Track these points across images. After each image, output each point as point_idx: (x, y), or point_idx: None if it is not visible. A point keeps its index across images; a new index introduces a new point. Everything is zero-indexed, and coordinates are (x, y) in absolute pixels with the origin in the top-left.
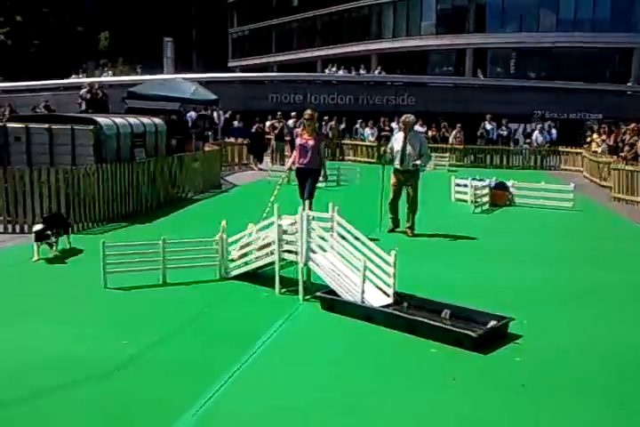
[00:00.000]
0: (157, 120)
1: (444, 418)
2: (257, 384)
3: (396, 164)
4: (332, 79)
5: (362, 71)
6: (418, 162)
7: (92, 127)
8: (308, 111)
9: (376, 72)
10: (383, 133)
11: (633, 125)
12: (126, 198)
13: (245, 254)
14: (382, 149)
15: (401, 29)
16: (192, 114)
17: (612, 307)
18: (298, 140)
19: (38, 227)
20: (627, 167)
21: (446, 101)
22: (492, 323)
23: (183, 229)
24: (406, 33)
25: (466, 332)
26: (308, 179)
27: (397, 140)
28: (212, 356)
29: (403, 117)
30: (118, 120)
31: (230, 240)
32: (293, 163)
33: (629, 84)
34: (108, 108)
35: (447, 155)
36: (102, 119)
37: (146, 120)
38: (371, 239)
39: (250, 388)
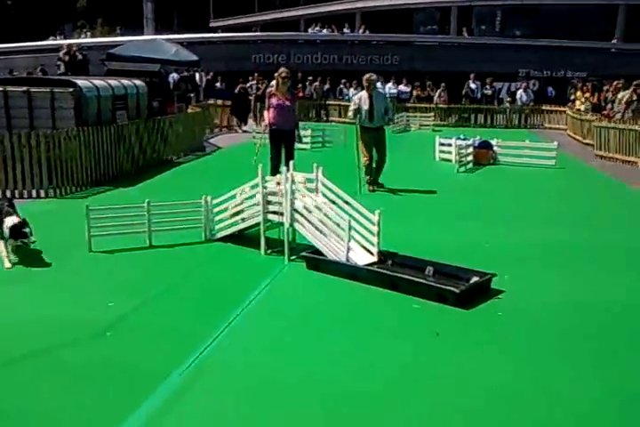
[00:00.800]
0: (138, 82)
1: (428, 372)
2: (244, 343)
3: (367, 122)
4: (316, 39)
5: (346, 30)
6: (387, 118)
7: (71, 90)
8: (285, 69)
9: (360, 31)
10: None
11: (615, 83)
12: (109, 162)
13: (236, 214)
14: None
15: None
16: (174, 75)
17: (596, 264)
18: (273, 101)
19: (13, 221)
20: (607, 124)
21: (431, 60)
22: (475, 279)
23: (168, 192)
24: None
25: (448, 288)
26: (286, 141)
27: (363, 100)
28: (198, 317)
29: (366, 76)
30: (98, 82)
31: (215, 202)
32: (271, 124)
33: (614, 41)
34: (88, 71)
35: (432, 114)
36: (82, 82)
37: (127, 82)
38: (356, 199)
39: (237, 347)
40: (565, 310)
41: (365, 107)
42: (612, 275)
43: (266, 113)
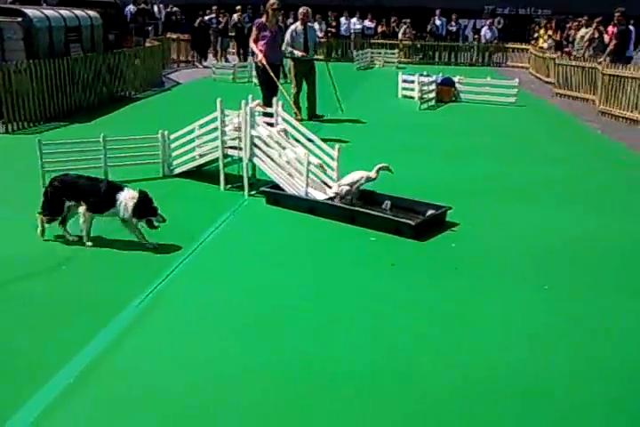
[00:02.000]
0: (92, 13)
1: (384, 301)
2: (202, 275)
3: (301, 54)
4: None
5: None
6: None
7: (20, 19)
8: (276, 0)
9: None
10: (329, 29)
11: (578, 20)
12: (63, 97)
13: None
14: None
15: None
16: (131, 8)
17: (551, 199)
18: (266, 33)
19: (132, 195)
20: (567, 62)
21: None
22: (431, 212)
23: (125, 128)
24: None
25: (404, 220)
26: (277, 75)
27: (298, 32)
28: (156, 251)
29: (302, 10)
30: (49, 12)
31: (173, 137)
32: (266, 57)
33: None
34: (39, 0)
35: (396, 51)
36: (31, 11)
37: (80, 13)
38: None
39: (194, 279)
40: (514, 238)
41: (300, 39)
42: (563, 206)
43: (254, 46)
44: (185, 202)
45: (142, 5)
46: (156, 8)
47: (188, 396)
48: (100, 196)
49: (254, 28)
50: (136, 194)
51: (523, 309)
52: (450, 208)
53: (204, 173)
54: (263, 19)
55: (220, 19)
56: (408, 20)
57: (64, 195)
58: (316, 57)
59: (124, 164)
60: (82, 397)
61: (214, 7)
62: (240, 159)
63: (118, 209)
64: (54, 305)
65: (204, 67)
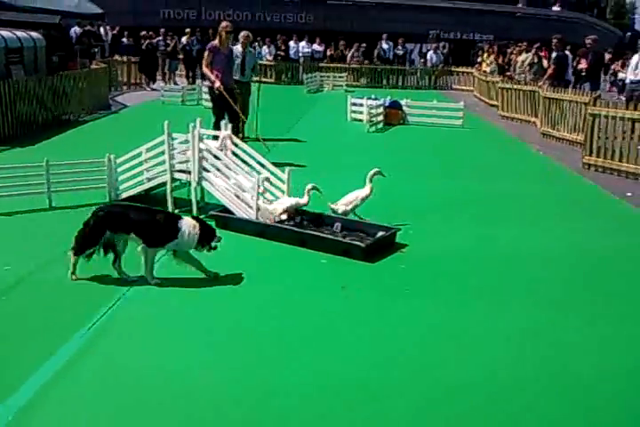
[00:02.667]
0: (35, 34)
1: (335, 323)
2: (149, 301)
3: (238, 75)
4: None
5: None
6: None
7: None
8: (229, 23)
9: None
10: (279, 52)
11: (518, 46)
12: (4, 120)
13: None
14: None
15: None
16: (76, 29)
17: (495, 214)
18: (220, 57)
19: (194, 224)
20: (510, 86)
21: (344, 20)
22: (380, 233)
23: (69, 152)
24: None
25: (354, 242)
26: (232, 98)
27: (237, 54)
28: (103, 275)
29: (243, 33)
30: None
31: (120, 161)
32: (221, 82)
33: (519, 5)
34: None
35: (344, 75)
36: None
37: (22, 34)
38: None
39: (142, 305)
40: (463, 256)
41: (238, 61)
42: (507, 222)
43: (208, 71)
44: None
45: (88, 27)
46: (102, 30)
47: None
48: (159, 227)
49: (207, 52)
50: (194, 221)
51: (474, 326)
52: (399, 229)
53: (151, 198)
54: (216, 42)
55: (169, 41)
56: (356, 44)
57: (109, 227)
58: (256, 79)
59: (68, 189)
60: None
61: (162, 29)
62: (189, 183)
63: (182, 240)
64: None
65: (153, 89)
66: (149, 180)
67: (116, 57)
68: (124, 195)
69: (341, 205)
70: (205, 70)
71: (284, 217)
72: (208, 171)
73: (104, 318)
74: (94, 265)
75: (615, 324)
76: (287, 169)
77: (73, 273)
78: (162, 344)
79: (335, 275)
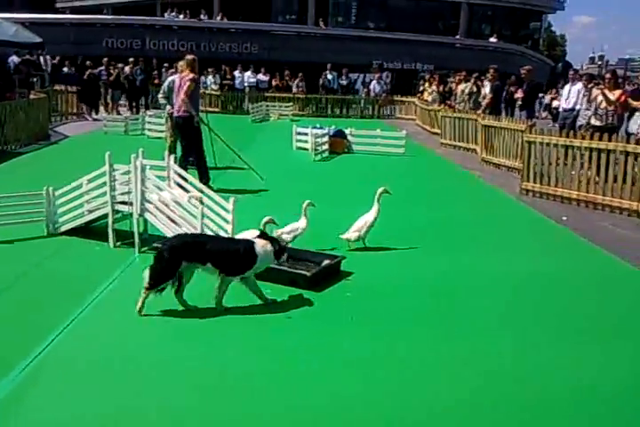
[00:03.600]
0: None
1: (279, 355)
2: (89, 337)
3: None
4: (173, 24)
5: (203, 17)
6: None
7: None
8: (192, 56)
9: (218, 18)
10: (225, 82)
11: (458, 75)
12: None
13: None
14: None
15: None
16: (14, 58)
17: (438, 241)
18: (196, 89)
19: (265, 243)
20: (450, 114)
21: (289, 50)
22: (326, 262)
23: (5, 185)
24: None
25: (299, 272)
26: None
27: (175, 84)
28: (43, 312)
29: (182, 62)
30: None
31: (59, 193)
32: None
33: (458, 36)
34: None
35: (290, 104)
36: None
37: None
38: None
39: (82, 341)
40: (407, 285)
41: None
42: (448, 249)
43: (189, 102)
44: (71, 261)
45: (27, 56)
46: (42, 59)
47: None
48: (239, 257)
49: (191, 83)
50: (264, 240)
51: (415, 355)
52: (344, 257)
53: (92, 230)
54: (193, 74)
55: (111, 71)
56: (301, 74)
57: (185, 257)
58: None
59: (4, 223)
60: None
61: (105, 59)
62: (131, 214)
63: (260, 264)
64: None
65: (95, 119)
66: (90, 212)
67: (57, 86)
68: (64, 228)
69: (353, 233)
70: (187, 101)
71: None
72: (150, 202)
73: (41, 356)
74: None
75: (557, 348)
76: (232, 199)
77: (141, 309)
78: (99, 381)
79: (281, 305)
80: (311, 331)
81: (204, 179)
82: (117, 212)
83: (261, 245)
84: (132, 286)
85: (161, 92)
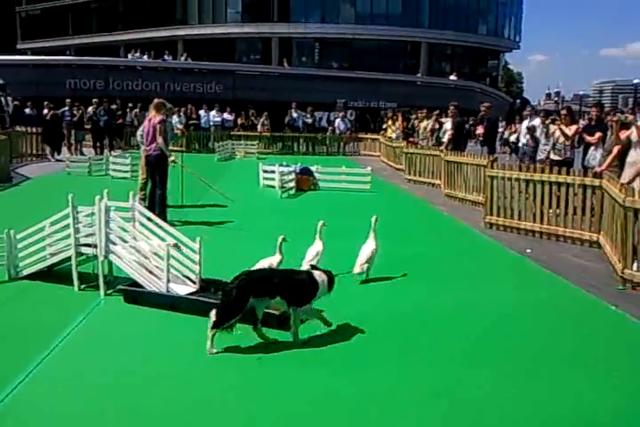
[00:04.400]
0: None
1: (250, 399)
2: (53, 384)
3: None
4: (137, 65)
5: (167, 57)
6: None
7: None
8: (158, 100)
9: (182, 58)
10: (191, 122)
11: (421, 112)
12: None
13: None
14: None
15: (207, 16)
16: None
17: (408, 276)
18: (158, 129)
19: (321, 275)
20: (413, 151)
21: (254, 89)
22: None
23: None
24: (212, 20)
25: (269, 311)
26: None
27: (145, 126)
28: (3, 358)
29: (151, 105)
30: None
31: (20, 236)
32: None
33: (419, 75)
34: None
35: (256, 142)
36: None
37: None
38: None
39: (45, 388)
40: (376, 319)
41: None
42: (414, 283)
43: (164, 142)
44: (35, 306)
45: None
46: (3, 100)
47: None
48: (305, 286)
49: (160, 125)
50: (319, 271)
51: (384, 391)
52: None
53: (55, 274)
54: (160, 116)
55: (75, 111)
56: (266, 113)
57: (253, 293)
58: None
59: None
60: None
61: (68, 100)
62: (95, 257)
63: (321, 292)
64: None
65: (57, 160)
66: (53, 255)
67: (18, 128)
68: (26, 272)
69: (360, 267)
70: (162, 142)
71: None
72: (115, 244)
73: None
74: None
75: (521, 380)
76: (198, 238)
77: (211, 347)
78: None
79: (250, 346)
80: (280, 373)
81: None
82: (81, 254)
83: (319, 275)
84: (98, 329)
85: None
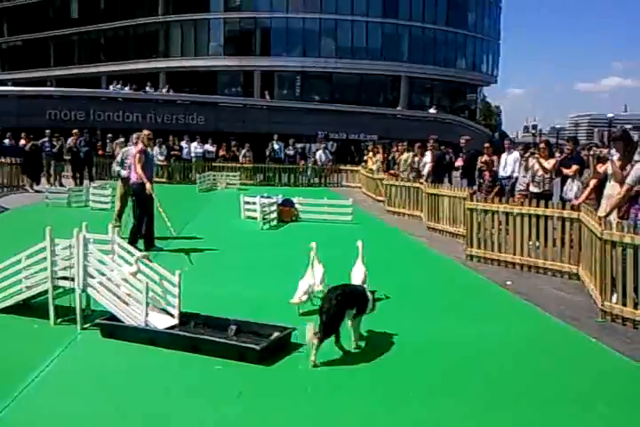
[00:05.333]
0: None
1: None
2: (32, 417)
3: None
4: (118, 96)
5: (148, 89)
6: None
7: None
8: (142, 132)
9: (164, 90)
10: (172, 153)
11: (402, 144)
12: None
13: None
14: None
15: (189, 48)
16: None
17: (388, 310)
18: (144, 157)
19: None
20: (394, 182)
21: (236, 121)
22: (276, 334)
23: None
24: (195, 53)
25: (248, 345)
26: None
27: (131, 153)
28: None
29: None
30: None
31: None
32: (146, 179)
33: (399, 108)
34: None
35: (238, 173)
36: None
37: None
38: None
39: (24, 422)
40: (357, 353)
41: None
42: (395, 316)
43: (143, 173)
44: (7, 341)
45: None
46: None
47: None
48: (366, 298)
49: (140, 155)
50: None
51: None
52: (294, 329)
53: (31, 307)
54: (141, 146)
55: (54, 142)
56: (247, 145)
57: (347, 306)
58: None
59: None
60: None
61: (47, 131)
62: (72, 290)
63: (370, 305)
64: None
65: (36, 191)
66: (29, 288)
67: None
68: (1, 305)
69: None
70: (140, 172)
71: (304, 298)
72: (93, 277)
73: None
74: None
75: (501, 417)
76: (177, 271)
77: (315, 360)
78: None
79: (231, 381)
80: (262, 408)
81: (150, 244)
82: (58, 287)
83: (370, 293)
84: (73, 367)
85: (115, 161)
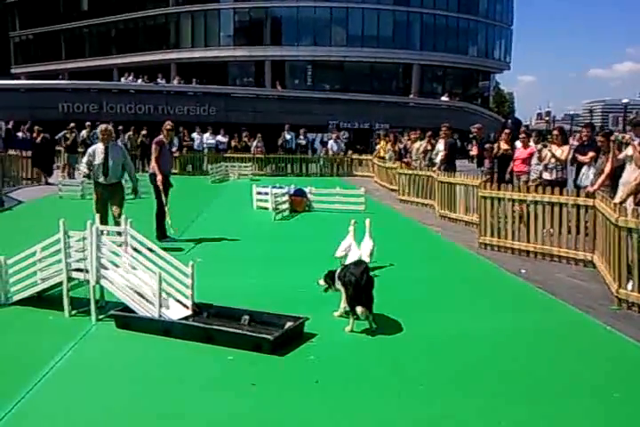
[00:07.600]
0: None
1: (244, 425)
2: (45, 413)
3: (100, 177)
4: (130, 88)
5: (160, 80)
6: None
7: None
8: (170, 122)
9: (175, 82)
10: (184, 144)
11: (414, 133)
12: None
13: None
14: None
15: (200, 39)
16: None
17: (402, 301)
18: (164, 150)
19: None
20: (407, 171)
21: (247, 112)
22: (289, 324)
23: None
24: (205, 43)
25: (262, 336)
26: (169, 185)
27: (97, 153)
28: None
29: (102, 127)
30: None
31: (10, 262)
32: (163, 171)
33: (411, 96)
34: None
35: (250, 164)
36: None
37: None
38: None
39: (37, 417)
40: (371, 345)
41: (99, 161)
42: (411, 308)
43: (156, 165)
44: (23, 333)
45: None
46: None
47: None
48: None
49: (156, 146)
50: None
51: (380, 418)
52: (307, 318)
53: (46, 299)
54: (161, 137)
55: (67, 135)
56: (259, 135)
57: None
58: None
59: None
60: None
61: (72, 124)
62: (87, 282)
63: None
64: None
65: (49, 184)
66: (44, 280)
67: (11, 151)
68: (16, 297)
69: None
70: (154, 164)
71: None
72: (107, 268)
73: None
74: None
75: (518, 409)
76: (190, 263)
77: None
78: None
79: (244, 372)
80: (275, 398)
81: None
82: (73, 279)
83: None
84: (88, 357)
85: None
